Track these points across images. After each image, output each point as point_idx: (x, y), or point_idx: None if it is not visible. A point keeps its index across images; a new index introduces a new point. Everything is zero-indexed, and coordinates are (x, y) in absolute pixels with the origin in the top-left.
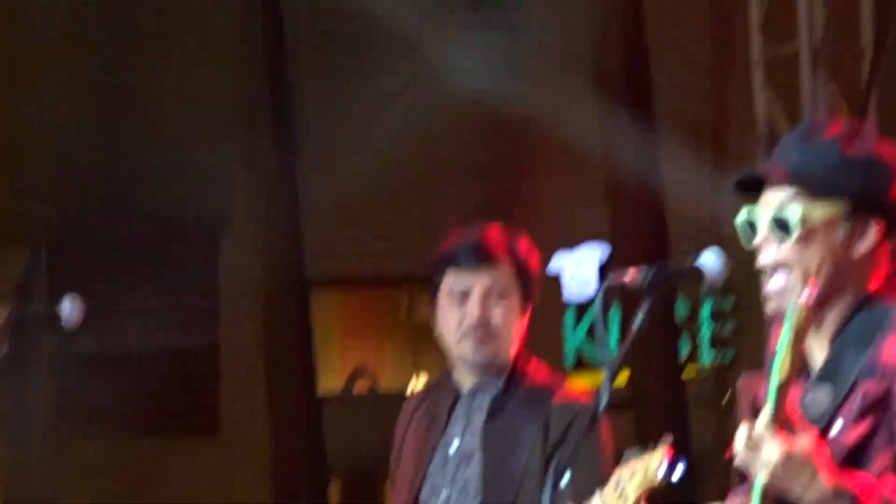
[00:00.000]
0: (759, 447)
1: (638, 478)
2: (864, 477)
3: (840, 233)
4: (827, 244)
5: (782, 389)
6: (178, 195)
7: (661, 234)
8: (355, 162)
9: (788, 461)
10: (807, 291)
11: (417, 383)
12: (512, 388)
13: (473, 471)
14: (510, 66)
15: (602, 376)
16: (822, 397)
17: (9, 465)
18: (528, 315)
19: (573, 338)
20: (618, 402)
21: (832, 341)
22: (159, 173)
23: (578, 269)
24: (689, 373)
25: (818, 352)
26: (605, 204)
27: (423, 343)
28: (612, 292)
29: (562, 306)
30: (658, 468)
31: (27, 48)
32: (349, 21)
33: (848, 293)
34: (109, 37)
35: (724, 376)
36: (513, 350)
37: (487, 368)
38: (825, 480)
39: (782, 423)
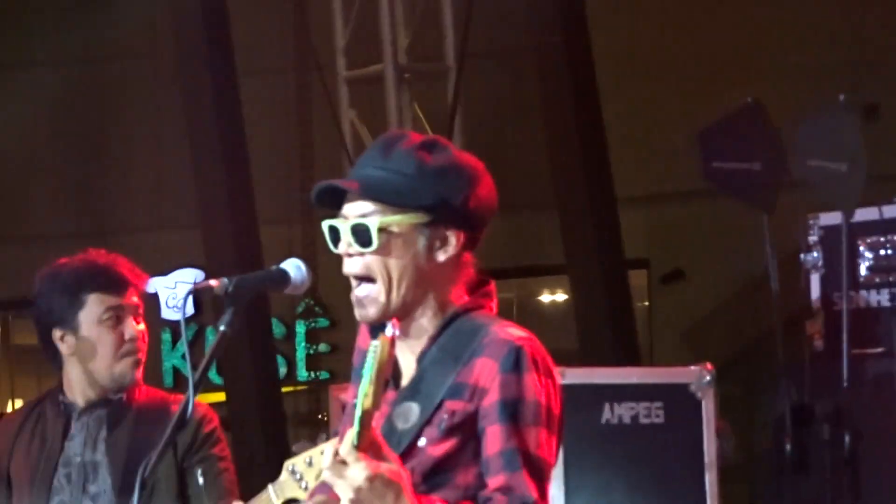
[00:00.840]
0: (344, 468)
1: (317, 466)
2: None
3: (420, 243)
4: (407, 254)
5: (366, 417)
6: None
7: (255, 258)
8: None
9: (372, 483)
10: (390, 327)
11: (14, 407)
12: (130, 401)
13: (104, 482)
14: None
15: (187, 393)
16: (409, 412)
17: None
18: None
19: (170, 357)
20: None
21: (420, 359)
22: None
23: (173, 291)
24: (286, 390)
25: (406, 365)
26: (199, 230)
27: (19, 368)
28: (199, 302)
29: (159, 327)
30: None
31: None
32: None
33: (431, 303)
34: None
35: (319, 393)
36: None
37: (123, 386)
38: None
39: (368, 447)
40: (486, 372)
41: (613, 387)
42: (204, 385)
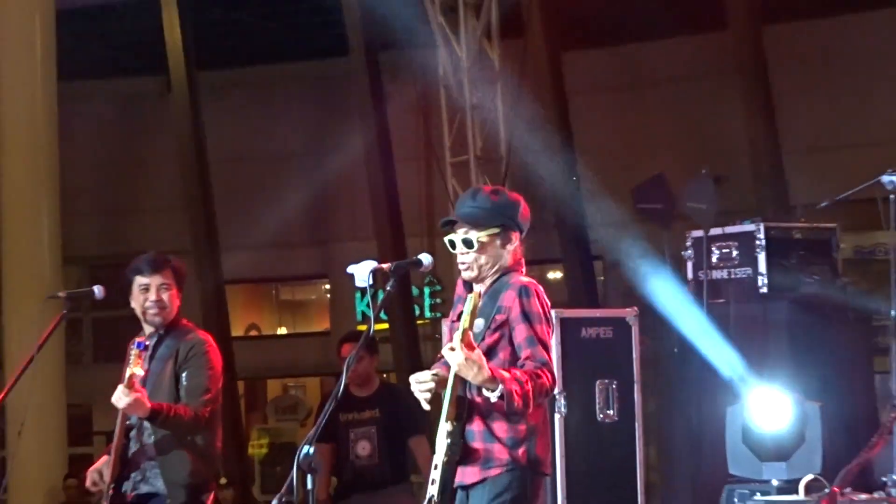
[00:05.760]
0: (454, 352)
1: (464, 318)
2: (504, 369)
3: (498, 243)
4: (492, 250)
5: (466, 330)
6: None
7: (403, 254)
8: None
9: (468, 361)
10: (480, 287)
11: None
12: (166, 335)
13: (149, 383)
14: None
15: (368, 323)
16: (480, 323)
17: None
18: (180, 297)
19: (360, 305)
20: (383, 339)
21: (485, 293)
22: None
23: (361, 271)
24: (420, 322)
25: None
26: (376, 240)
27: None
28: (377, 276)
29: (353, 290)
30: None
31: None
32: None
33: (499, 271)
34: None
35: (437, 324)
36: (172, 314)
37: (159, 325)
38: (486, 372)
39: (467, 343)
40: (511, 298)
41: (588, 318)
42: (377, 320)
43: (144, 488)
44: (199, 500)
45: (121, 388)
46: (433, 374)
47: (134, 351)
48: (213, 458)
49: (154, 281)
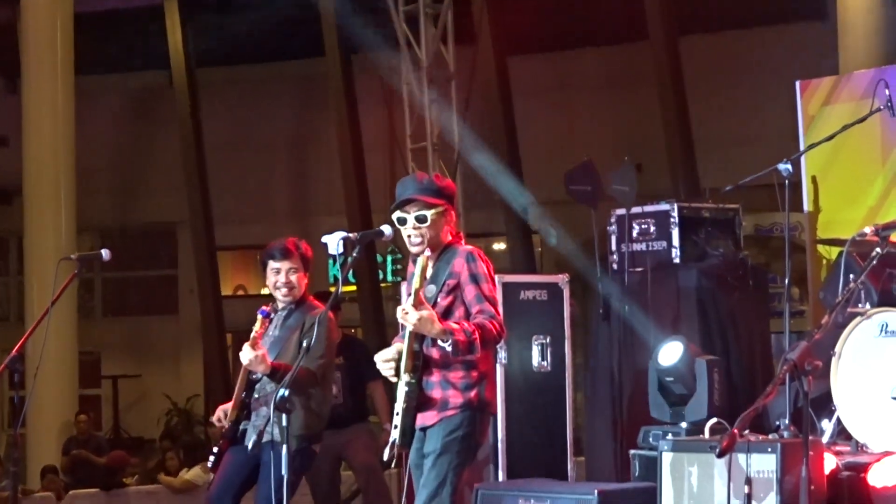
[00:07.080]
0: (407, 313)
1: (415, 280)
2: (455, 322)
3: (443, 219)
4: (438, 225)
5: (418, 290)
6: None
7: (369, 226)
8: None
9: (421, 318)
10: (426, 253)
11: None
12: (296, 309)
13: (277, 346)
14: None
15: (337, 285)
16: (432, 289)
17: None
18: (308, 277)
19: (332, 269)
20: (351, 299)
21: (434, 265)
22: None
23: (333, 240)
24: (382, 285)
25: (430, 270)
26: (346, 215)
27: None
28: (347, 245)
29: (327, 257)
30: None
31: None
32: None
33: (441, 241)
34: None
35: (397, 287)
36: (300, 292)
37: (290, 302)
38: (438, 325)
39: (418, 303)
40: (460, 264)
41: (526, 283)
42: (346, 282)
43: (266, 437)
44: (310, 450)
45: (246, 346)
46: (396, 351)
47: (259, 317)
48: (324, 416)
49: (284, 266)
